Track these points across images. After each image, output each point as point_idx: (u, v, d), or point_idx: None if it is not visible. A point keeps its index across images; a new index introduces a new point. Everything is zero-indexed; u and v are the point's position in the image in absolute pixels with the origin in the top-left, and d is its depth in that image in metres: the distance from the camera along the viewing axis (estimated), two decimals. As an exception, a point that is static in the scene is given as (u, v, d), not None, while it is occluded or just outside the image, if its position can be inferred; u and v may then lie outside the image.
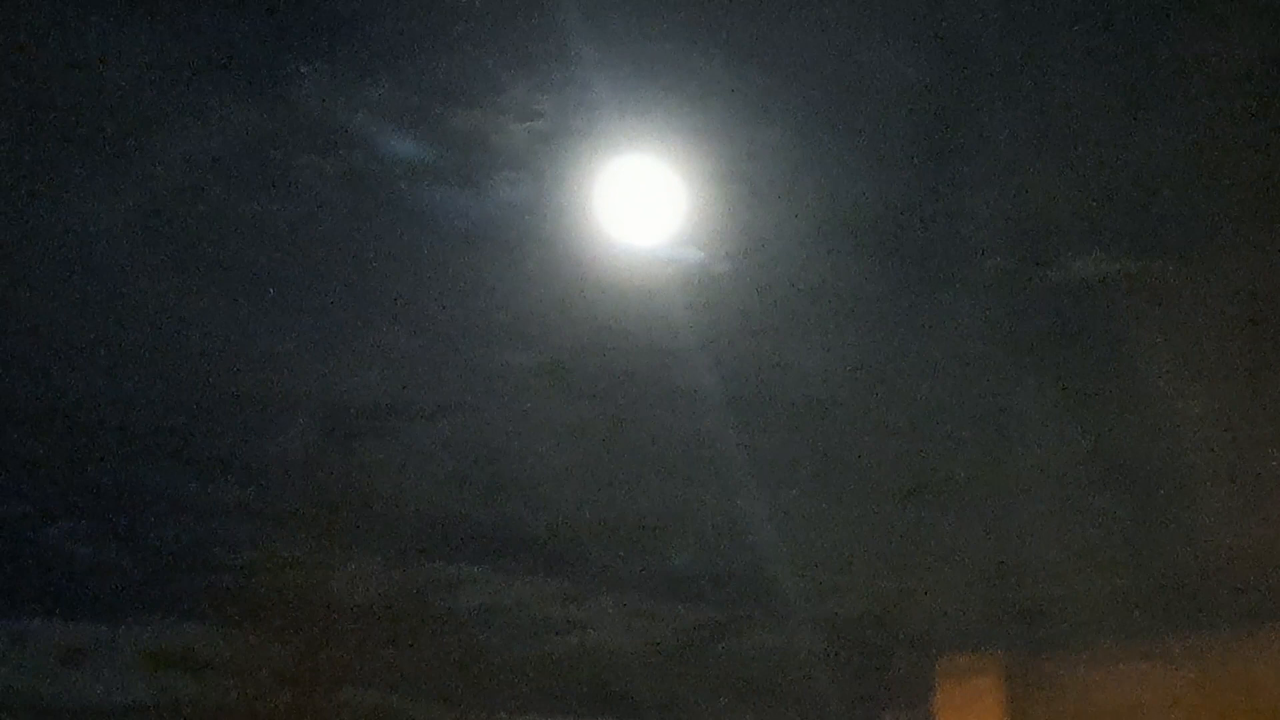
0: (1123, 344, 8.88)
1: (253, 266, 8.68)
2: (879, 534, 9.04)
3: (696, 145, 8.80)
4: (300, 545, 9.09)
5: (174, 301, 8.63)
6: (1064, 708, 9.15)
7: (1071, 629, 9.20)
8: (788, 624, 9.08)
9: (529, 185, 8.80)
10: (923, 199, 8.97)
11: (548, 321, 8.77)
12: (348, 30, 8.62)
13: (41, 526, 9.13)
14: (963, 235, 9.01)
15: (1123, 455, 9.17)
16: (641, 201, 8.89)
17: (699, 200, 8.80)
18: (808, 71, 8.84)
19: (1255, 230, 8.79)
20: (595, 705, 9.08)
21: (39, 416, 8.82)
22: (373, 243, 8.74)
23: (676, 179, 8.79)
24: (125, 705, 9.04)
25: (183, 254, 8.68)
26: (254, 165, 8.64)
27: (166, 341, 8.75)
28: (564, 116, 8.82)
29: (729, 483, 8.93)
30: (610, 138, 8.74)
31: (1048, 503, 9.02)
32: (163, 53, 8.40)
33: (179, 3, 8.53)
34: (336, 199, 8.71)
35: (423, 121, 8.66)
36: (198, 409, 8.93)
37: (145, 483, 9.09)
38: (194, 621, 9.16)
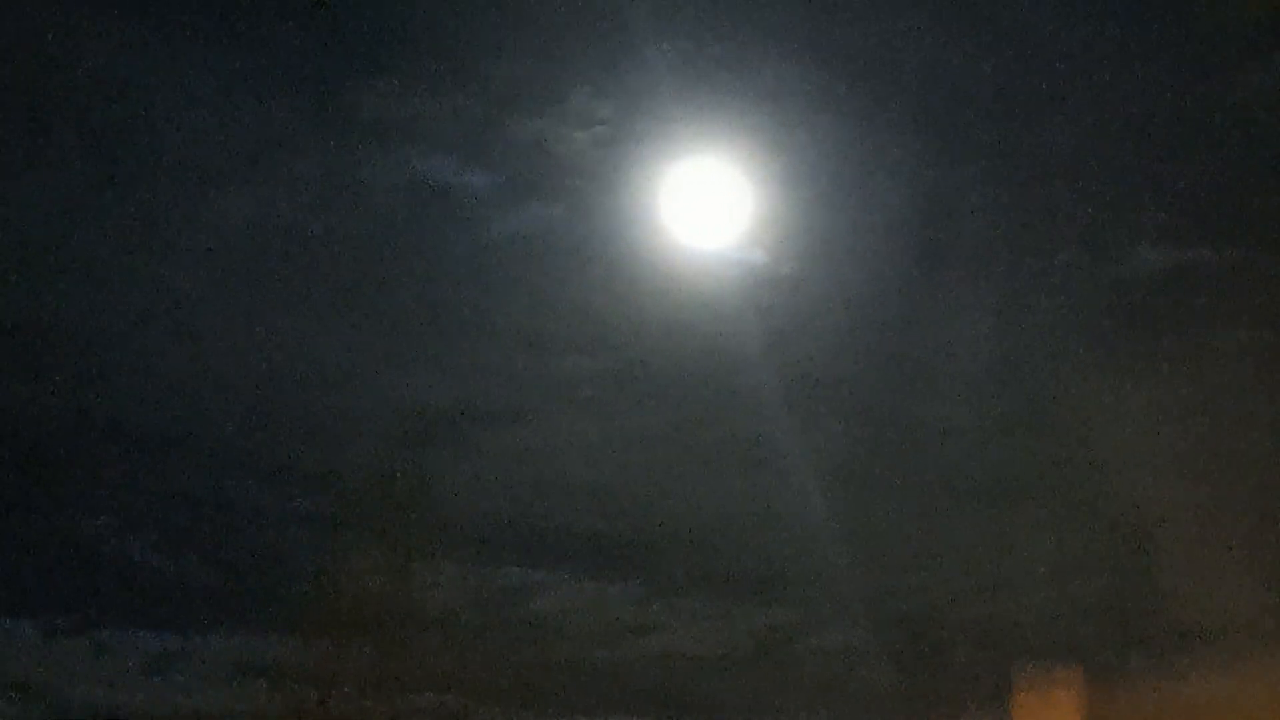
0: (1194, 333, 8.79)
1: (323, 281, 8.79)
2: (950, 534, 9.00)
3: (760, 147, 8.80)
4: (375, 553, 9.17)
5: (247, 318, 8.75)
6: (1143, 716, 9.03)
7: (1148, 630, 9.09)
8: (859, 624, 9.05)
9: (593, 191, 8.84)
10: (989, 195, 8.93)
11: (614, 327, 8.81)
12: (411, 44, 8.70)
13: (122, 539, 9.28)
14: (1030, 230, 8.96)
15: (1200, 447, 9.06)
16: (705, 205, 8.92)
17: (763, 202, 8.81)
18: (871, 71, 8.83)
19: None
20: (668, 708, 9.09)
21: (121, 433, 8.97)
22: (439, 253, 8.82)
23: (740, 182, 8.80)
24: (206, 713, 9.15)
25: (255, 272, 8.81)
26: (321, 181, 8.72)
27: (241, 357, 8.87)
28: (626, 122, 8.83)
29: (798, 484, 8.92)
30: (672, 142, 8.77)
31: (1120, 499, 8.93)
32: (231, 74, 8.49)
33: (245, 24, 8.60)
34: (402, 211, 8.79)
35: (485, 132, 8.72)
36: (272, 422, 9.04)
37: (223, 495, 9.21)
38: (272, 630, 9.26)
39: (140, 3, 8.14)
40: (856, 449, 8.80)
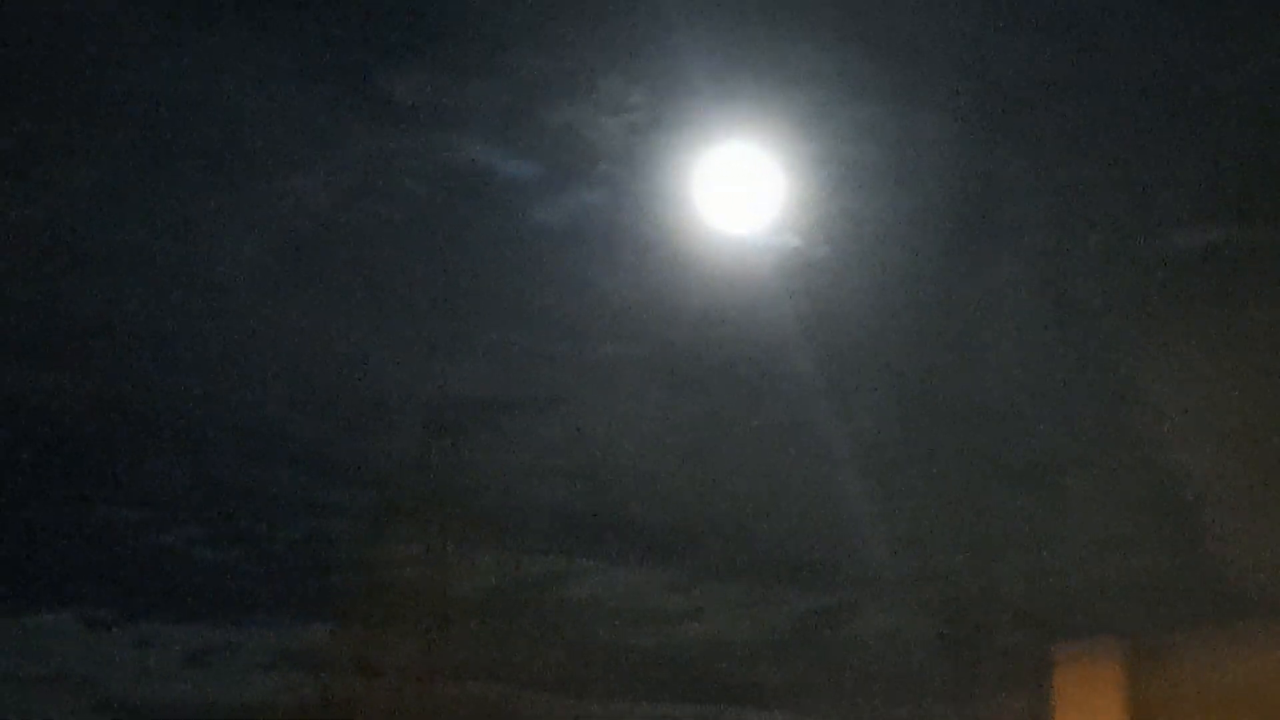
0: (1233, 311, 8.69)
1: (360, 272, 8.81)
2: (993, 514, 8.93)
3: (793, 132, 8.75)
4: (415, 542, 9.17)
5: (287, 311, 8.77)
6: (1186, 691, 8.93)
7: (1191, 609, 9.01)
8: (901, 607, 9.01)
9: (627, 178, 8.81)
10: (1024, 177, 8.87)
11: (648, 313, 8.77)
12: (443, 33, 8.69)
13: (164, 531, 9.32)
14: (1066, 211, 8.89)
15: (1244, 421, 8.97)
16: (738, 190, 8.86)
17: (796, 187, 8.75)
18: (905, 54, 8.77)
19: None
20: (710, 692, 9.08)
21: (162, 425, 9.00)
22: (474, 241, 8.81)
23: (773, 166, 8.75)
24: (248, 703, 9.17)
25: (294, 266, 8.83)
26: (358, 172, 8.73)
27: (281, 349, 8.88)
28: (658, 108, 8.79)
29: (838, 467, 8.87)
30: (705, 127, 8.72)
31: (1164, 474, 8.84)
32: (266, 65, 8.51)
33: (281, 15, 8.62)
34: (437, 200, 8.78)
35: (518, 120, 8.70)
36: (313, 413, 9.06)
37: (264, 487, 9.25)
38: (314, 620, 9.27)
39: (176, -3, 8.19)
40: (896, 430, 8.75)
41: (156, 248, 8.97)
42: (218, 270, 9.05)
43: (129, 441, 9.13)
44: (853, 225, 8.95)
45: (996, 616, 8.86)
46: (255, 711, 9.13)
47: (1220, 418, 8.94)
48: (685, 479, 9.02)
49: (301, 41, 8.75)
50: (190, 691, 9.15)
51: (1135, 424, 8.69)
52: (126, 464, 9.18)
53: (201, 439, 9.24)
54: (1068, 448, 8.86)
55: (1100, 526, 8.73)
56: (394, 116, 8.98)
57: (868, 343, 8.82)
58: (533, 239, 9.04)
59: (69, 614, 9.10)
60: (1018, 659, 8.89)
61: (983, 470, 8.79)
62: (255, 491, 9.24)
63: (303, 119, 8.92)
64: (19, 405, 8.91)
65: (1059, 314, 8.89)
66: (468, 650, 9.10)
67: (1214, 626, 8.79)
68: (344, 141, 9.03)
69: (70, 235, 8.70)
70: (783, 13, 9.08)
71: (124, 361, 9.00)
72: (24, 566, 8.97)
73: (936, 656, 8.84)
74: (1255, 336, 8.76)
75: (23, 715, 8.76)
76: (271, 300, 9.19)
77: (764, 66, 9.18)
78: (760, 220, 8.89)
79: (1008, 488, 8.81)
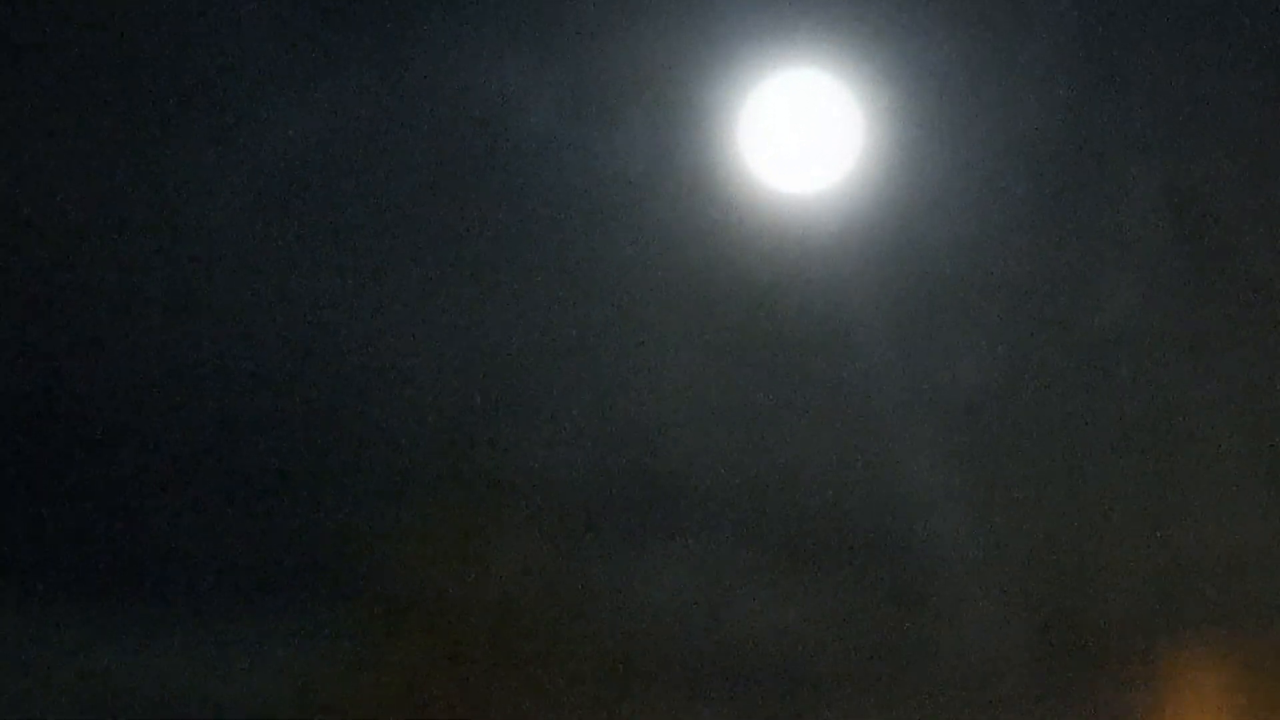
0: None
1: (376, 235, 8.44)
2: (1100, 490, 8.46)
3: (865, 78, 8.26)
4: (447, 526, 8.92)
5: (297, 275, 8.42)
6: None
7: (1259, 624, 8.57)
8: (979, 592, 8.59)
9: (663, 123, 8.39)
10: (1093, 148, 8.34)
11: (700, 281, 8.34)
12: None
13: (182, 513, 9.08)
14: (1124, 207, 8.41)
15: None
16: (802, 143, 8.39)
17: (863, 141, 8.26)
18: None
19: None
20: (764, 683, 8.71)
21: (166, 400, 8.72)
22: (498, 203, 8.42)
23: (840, 118, 8.26)
24: (265, 693, 8.94)
25: (305, 226, 8.44)
26: (376, 128, 8.42)
27: (292, 316, 8.53)
28: (706, 55, 8.38)
29: (915, 437, 8.44)
30: (766, 72, 8.26)
31: (1245, 475, 8.35)
32: (273, 14, 8.30)
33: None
34: (462, 157, 8.36)
35: (545, 65, 8.32)
36: (335, 390, 8.75)
37: (287, 466, 8.99)
38: (341, 607, 9.03)
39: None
40: (978, 395, 8.29)
41: (161, 214, 8.57)
42: (227, 235, 8.68)
43: (145, 428, 8.85)
44: (921, 189, 8.42)
45: (1096, 604, 8.37)
46: (271, 701, 8.95)
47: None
48: (743, 453, 8.60)
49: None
50: (212, 680, 8.90)
51: (1253, 386, 8.15)
52: (127, 440, 8.88)
53: (214, 419, 8.91)
54: (1175, 412, 8.33)
55: (1223, 502, 8.17)
56: (412, 74, 8.68)
57: (949, 295, 8.33)
58: (562, 198, 8.62)
59: (88, 605, 8.86)
60: (1120, 654, 8.42)
61: (1092, 435, 8.28)
62: (277, 472, 8.96)
63: (316, 82, 8.62)
64: (16, 391, 8.57)
65: (1152, 274, 8.36)
66: (503, 639, 8.86)
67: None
68: (363, 98, 8.73)
69: (73, 213, 8.35)
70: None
71: (139, 342, 8.66)
72: (28, 558, 8.73)
73: (1022, 649, 8.37)
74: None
75: (28, 708, 8.52)
76: (284, 265, 8.81)
77: (827, 6, 8.69)
78: (825, 177, 8.35)
79: (1121, 455, 8.29)
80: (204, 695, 8.67)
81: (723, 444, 8.74)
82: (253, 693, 8.73)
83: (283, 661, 8.83)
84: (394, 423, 8.67)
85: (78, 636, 8.58)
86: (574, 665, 8.61)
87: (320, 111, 8.26)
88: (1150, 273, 8.26)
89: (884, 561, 8.61)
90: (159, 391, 8.71)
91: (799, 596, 8.64)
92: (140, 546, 8.88)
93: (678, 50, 8.34)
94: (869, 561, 8.63)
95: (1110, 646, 8.36)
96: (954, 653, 8.39)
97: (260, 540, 8.82)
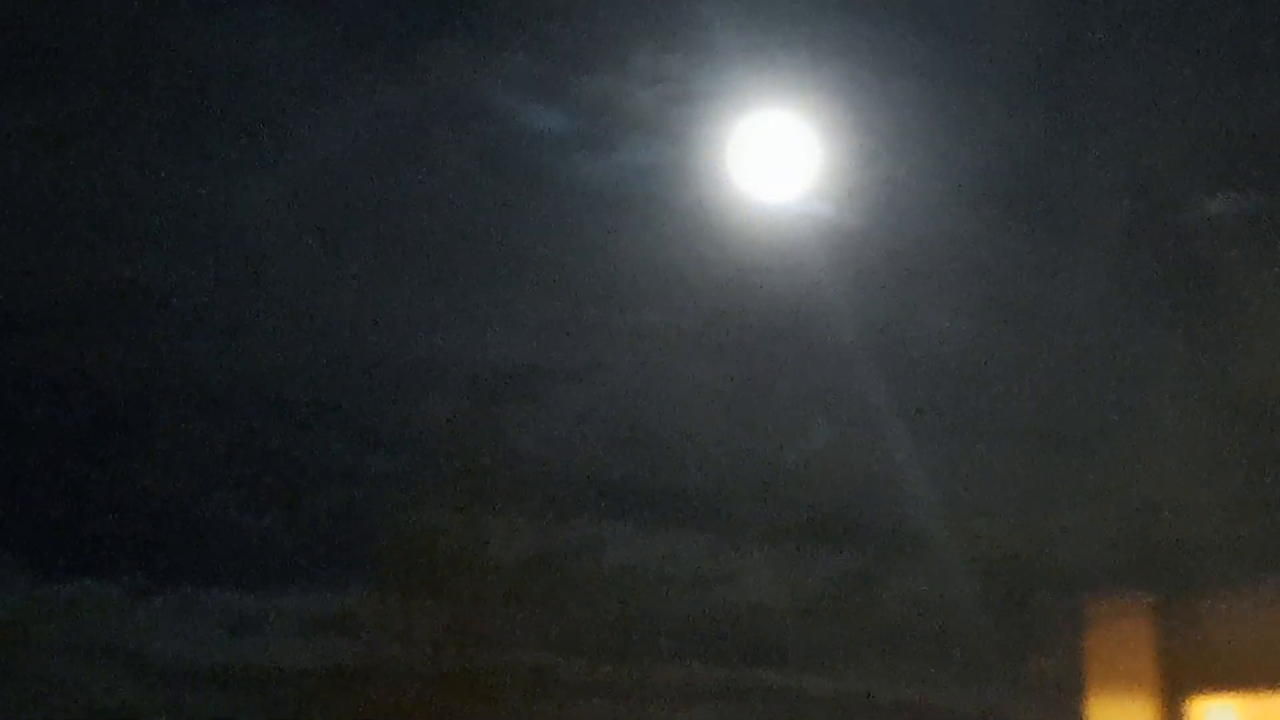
0: (1257, 283, 8.77)
1: (395, 239, 8.88)
2: (1020, 479, 9.05)
3: (826, 99, 8.82)
4: (451, 509, 9.27)
5: (321, 276, 8.84)
6: (1218, 649, 9.06)
7: (1219, 569, 9.16)
8: (933, 570, 9.13)
9: (660, 147, 8.89)
10: (1052, 146, 8.94)
11: (685, 281, 8.86)
12: (478, 3, 8.76)
13: (204, 498, 9.39)
14: (1090, 180, 8.96)
15: (1264, 395, 9.06)
16: (773, 158, 8.95)
17: (830, 154, 8.83)
18: (937, 24, 8.82)
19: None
20: (746, 656, 9.19)
21: (198, 390, 9.08)
22: (510, 210, 8.88)
23: (807, 134, 8.83)
24: (289, 670, 9.28)
25: (328, 230, 8.90)
26: (393, 141, 8.81)
27: (315, 315, 8.96)
28: (691, 78, 8.86)
29: (869, 431, 8.98)
30: (739, 96, 8.80)
31: (1188, 444, 8.96)
32: (300, 33, 8.58)
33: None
34: (473, 169, 8.85)
35: (553, 90, 8.78)
36: (347, 379, 9.14)
37: (301, 453, 9.33)
38: (352, 587, 9.38)
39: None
40: (934, 396, 8.85)
41: (195, 218, 9.03)
42: (255, 237, 9.13)
43: (167, 408, 9.22)
44: (886, 194, 9.03)
45: (1030, 578, 8.98)
46: (295, 677, 9.24)
47: (1255, 385, 9.03)
48: (723, 445, 9.13)
49: (341, 13, 8.81)
50: (230, 657, 9.27)
51: (1172, 391, 8.80)
52: (164, 431, 9.26)
53: (237, 407, 9.33)
54: (1096, 412, 8.97)
55: (1142, 490, 8.85)
56: (428, 89, 9.04)
57: (904, 309, 8.91)
58: (568, 208, 9.12)
59: (111, 582, 9.19)
60: (1051, 620, 9.01)
61: (1016, 433, 8.90)
62: (295, 458, 9.33)
63: (342, 90, 8.98)
64: (58, 374, 8.99)
65: (1098, 282, 8.98)
66: (505, 616, 9.22)
67: (1249, 585, 8.92)
68: (383, 112, 9.09)
69: (99, 201, 8.77)
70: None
71: (160, 327, 9.09)
72: (65, 534, 9.08)
73: (969, 617, 8.96)
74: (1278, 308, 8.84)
75: (63, 682, 8.87)
76: (304, 267, 9.27)
77: (798, 35, 9.23)
78: (794, 188, 8.98)
79: (1050, 452, 8.92)
80: (233, 663, 9.18)
81: (705, 445, 9.34)
82: (271, 664, 9.19)
83: (300, 636, 9.28)
84: (414, 418, 9.16)
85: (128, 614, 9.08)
86: (571, 635, 9.17)
87: (360, 146, 8.75)
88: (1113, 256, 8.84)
89: (843, 544, 9.22)
90: (204, 391, 9.15)
91: (770, 576, 9.23)
92: (170, 529, 9.36)
93: (666, 90, 8.92)
94: (830, 544, 9.23)
95: (1037, 612, 9.03)
96: (904, 620, 9.03)
97: (290, 523, 9.31)
